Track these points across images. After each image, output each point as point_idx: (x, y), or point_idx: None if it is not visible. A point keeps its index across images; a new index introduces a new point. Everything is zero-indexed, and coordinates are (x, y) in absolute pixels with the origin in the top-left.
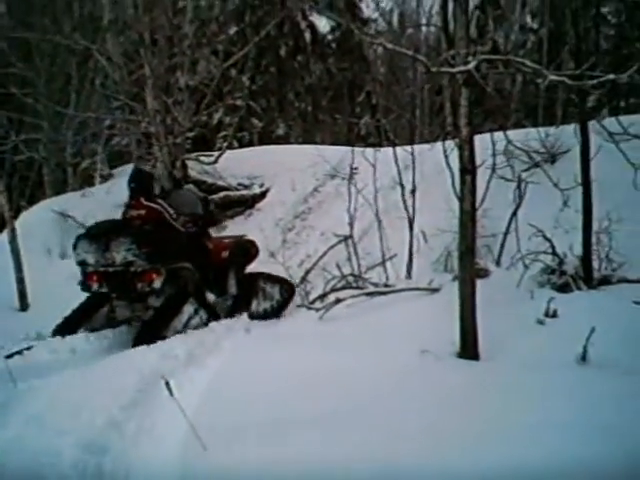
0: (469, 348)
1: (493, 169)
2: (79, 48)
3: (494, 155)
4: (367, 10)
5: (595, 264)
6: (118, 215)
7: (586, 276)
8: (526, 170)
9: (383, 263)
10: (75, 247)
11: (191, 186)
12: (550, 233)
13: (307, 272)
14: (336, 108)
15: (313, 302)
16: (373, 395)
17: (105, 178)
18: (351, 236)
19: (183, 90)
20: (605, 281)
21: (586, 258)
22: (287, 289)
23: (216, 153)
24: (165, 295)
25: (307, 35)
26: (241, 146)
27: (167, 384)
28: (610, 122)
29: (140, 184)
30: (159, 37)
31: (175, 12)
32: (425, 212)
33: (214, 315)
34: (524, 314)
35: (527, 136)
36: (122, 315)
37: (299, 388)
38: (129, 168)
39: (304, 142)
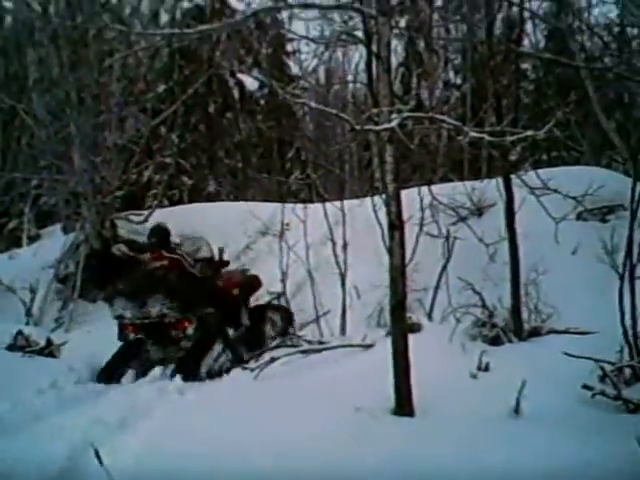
0: (404, 404)
1: (421, 224)
2: (4, 107)
3: (422, 210)
4: (295, 67)
5: (525, 316)
6: (45, 277)
7: (516, 328)
8: (453, 224)
9: (317, 320)
10: (112, 304)
11: (121, 245)
12: (479, 286)
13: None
14: (266, 164)
15: (247, 361)
16: (308, 456)
17: (32, 239)
18: (284, 293)
19: (111, 148)
20: (535, 332)
21: (515, 310)
22: (285, 316)
23: (146, 212)
24: (195, 337)
25: (235, 92)
26: (171, 204)
27: (96, 452)
28: (531, 176)
29: (160, 238)
30: (86, 95)
31: (102, 70)
32: (357, 267)
33: (235, 352)
34: (457, 368)
35: (454, 190)
36: (156, 356)
37: (234, 453)
38: (57, 229)
39: (235, 199)
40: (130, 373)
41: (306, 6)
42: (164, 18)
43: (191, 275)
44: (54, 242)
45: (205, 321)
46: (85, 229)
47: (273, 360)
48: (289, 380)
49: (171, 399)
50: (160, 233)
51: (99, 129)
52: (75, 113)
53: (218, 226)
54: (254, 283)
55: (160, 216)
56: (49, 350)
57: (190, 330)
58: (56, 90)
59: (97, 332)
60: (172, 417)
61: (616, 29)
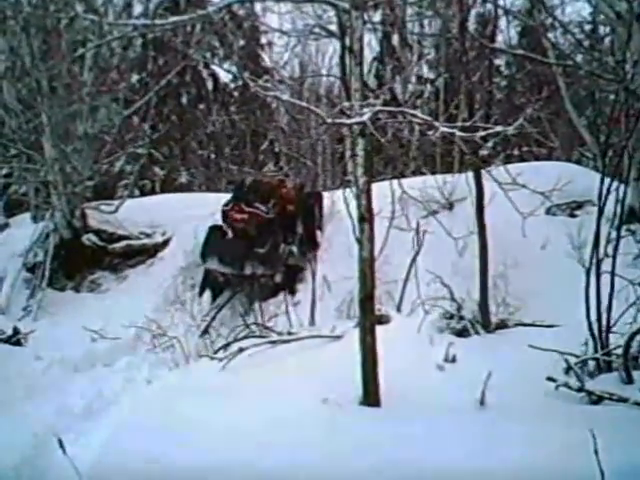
0: (371, 395)
1: (392, 217)
2: None
3: (393, 203)
4: (269, 59)
5: (492, 308)
6: (14, 266)
7: (484, 320)
8: (424, 217)
9: (287, 311)
10: (205, 261)
11: (91, 235)
12: (448, 279)
13: (212, 320)
14: (239, 156)
15: (216, 352)
16: (274, 445)
17: (1, 227)
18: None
19: (82, 138)
20: (502, 325)
21: (483, 303)
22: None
23: (117, 202)
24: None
25: (209, 84)
26: (143, 194)
27: (60, 441)
28: (501, 171)
29: (242, 193)
30: (57, 85)
31: (73, 60)
32: (328, 259)
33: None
34: (424, 359)
35: (425, 184)
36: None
37: (199, 442)
38: (27, 218)
39: (207, 190)
40: (208, 293)
41: None
42: (138, 8)
43: (266, 221)
44: (23, 231)
45: (288, 273)
46: (55, 218)
47: (241, 350)
48: (257, 370)
49: (138, 388)
50: (242, 188)
51: (70, 119)
52: (46, 102)
53: (189, 217)
54: (302, 197)
55: (131, 206)
56: (16, 339)
57: (278, 278)
58: (27, 79)
59: (65, 321)
60: (138, 406)
61: (588, 27)
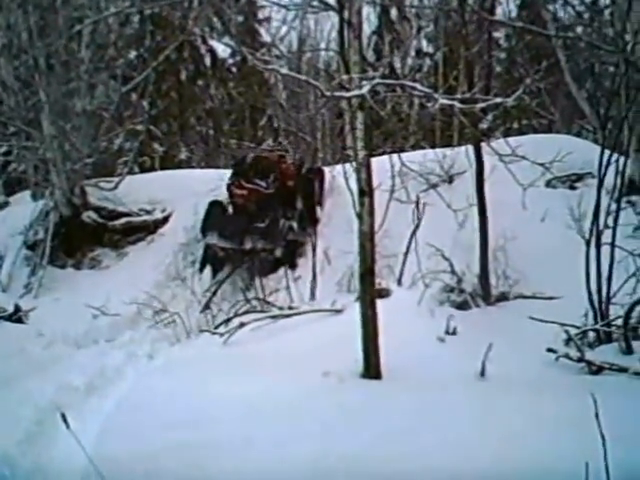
0: (372, 368)
1: (392, 191)
2: None
3: (392, 177)
4: (267, 35)
5: (492, 281)
6: (14, 244)
7: (484, 293)
8: (424, 191)
9: (287, 286)
10: (205, 235)
11: (91, 212)
12: (449, 252)
13: (212, 295)
14: (238, 132)
15: (217, 327)
16: (275, 418)
17: (1, 206)
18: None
19: (81, 115)
20: (502, 298)
21: (483, 276)
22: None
23: (116, 179)
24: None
25: (207, 59)
26: (142, 171)
27: (63, 416)
28: (501, 144)
29: (241, 169)
30: (55, 62)
31: (71, 37)
32: (328, 233)
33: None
34: (425, 332)
35: (425, 157)
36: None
37: (202, 415)
38: (26, 195)
39: (206, 166)
40: (208, 269)
41: None
42: None
43: (265, 196)
44: (23, 209)
45: (288, 248)
46: (54, 196)
47: (243, 325)
48: (258, 345)
49: (140, 363)
50: (242, 165)
51: (68, 96)
52: (44, 80)
53: (189, 193)
54: (302, 172)
55: (131, 183)
56: (17, 316)
57: (278, 253)
58: (24, 56)
59: (66, 298)
60: (141, 381)
61: None
